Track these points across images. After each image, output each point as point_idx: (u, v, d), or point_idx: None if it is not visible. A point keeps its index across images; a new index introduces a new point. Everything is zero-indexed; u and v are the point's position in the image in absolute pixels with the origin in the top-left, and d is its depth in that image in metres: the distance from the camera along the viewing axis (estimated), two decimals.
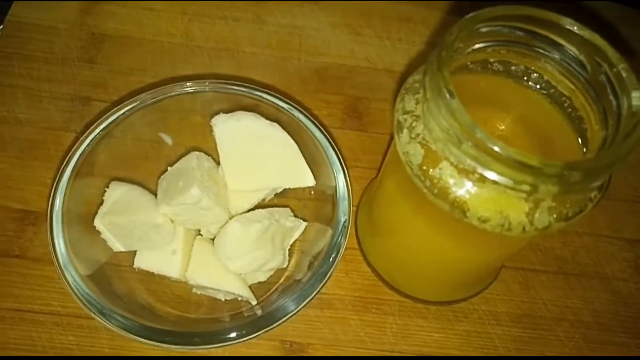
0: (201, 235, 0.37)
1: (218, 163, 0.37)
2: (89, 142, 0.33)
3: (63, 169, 0.32)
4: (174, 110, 0.36)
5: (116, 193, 0.34)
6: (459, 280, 0.36)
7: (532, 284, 0.41)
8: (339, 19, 0.53)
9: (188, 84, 0.36)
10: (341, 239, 0.32)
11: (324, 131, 0.35)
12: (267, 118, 0.36)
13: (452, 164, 0.25)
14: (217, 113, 0.36)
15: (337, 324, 0.38)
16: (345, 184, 0.34)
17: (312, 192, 0.37)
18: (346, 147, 0.45)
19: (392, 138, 0.33)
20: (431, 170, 0.26)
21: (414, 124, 0.27)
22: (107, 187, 0.34)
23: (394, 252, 0.37)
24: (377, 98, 0.48)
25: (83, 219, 0.33)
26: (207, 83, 0.36)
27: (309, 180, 0.36)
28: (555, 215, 0.26)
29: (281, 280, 0.36)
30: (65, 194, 0.32)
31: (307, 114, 0.35)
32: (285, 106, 0.36)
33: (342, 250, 0.32)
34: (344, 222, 0.33)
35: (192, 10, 0.51)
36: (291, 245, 0.37)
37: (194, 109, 0.36)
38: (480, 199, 0.25)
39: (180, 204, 0.33)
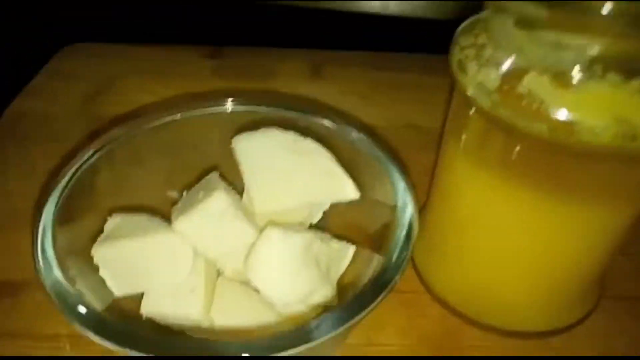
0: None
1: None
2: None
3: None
4: (188, 136, 0.32)
5: (118, 219, 0.28)
6: (559, 288, 0.28)
7: None
8: (346, 88, 0.52)
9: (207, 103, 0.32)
10: (403, 258, 0.24)
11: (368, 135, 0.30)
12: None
13: (542, 71, 0.21)
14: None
15: None
16: (406, 189, 0.27)
17: (355, 214, 0.31)
18: None
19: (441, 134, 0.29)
20: (515, 87, 0.21)
21: (480, 53, 0.23)
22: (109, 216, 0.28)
23: (470, 266, 0.29)
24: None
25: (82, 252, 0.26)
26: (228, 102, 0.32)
27: (351, 192, 0.30)
28: None
29: None
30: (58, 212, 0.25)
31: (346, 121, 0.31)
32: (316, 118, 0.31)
33: (402, 269, 0.25)
34: (406, 235, 0.25)
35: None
36: (340, 278, 0.29)
37: (212, 133, 0.32)
38: (589, 105, 0.20)
39: (202, 215, 0.26)
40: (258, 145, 0.31)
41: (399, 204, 0.27)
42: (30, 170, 0.40)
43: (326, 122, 0.31)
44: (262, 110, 0.32)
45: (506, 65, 0.22)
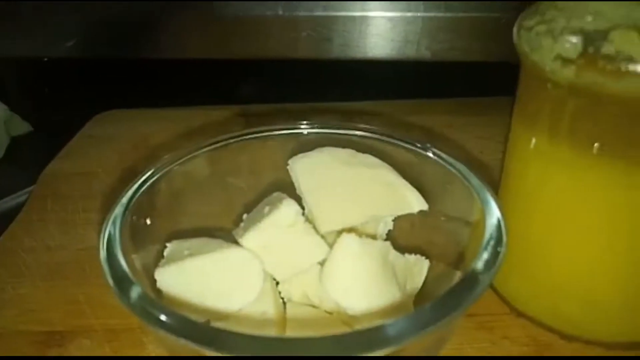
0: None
1: None
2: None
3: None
4: (242, 161, 0.31)
5: (178, 244, 0.26)
6: None
7: None
8: None
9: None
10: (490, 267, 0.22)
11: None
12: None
13: (628, 28, 0.20)
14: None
15: None
16: (488, 199, 0.24)
17: (422, 229, 0.29)
18: None
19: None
20: (601, 48, 0.20)
21: (552, 27, 0.22)
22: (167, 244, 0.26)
23: (557, 270, 0.27)
24: None
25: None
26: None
27: (418, 204, 0.28)
28: None
29: None
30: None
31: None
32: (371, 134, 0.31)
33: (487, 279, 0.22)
34: (494, 244, 0.22)
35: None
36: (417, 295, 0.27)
37: (267, 157, 0.31)
38: None
39: (271, 228, 0.25)
40: (315, 164, 0.30)
41: (479, 215, 0.25)
42: (70, 225, 0.39)
43: (385, 138, 0.30)
44: (315, 131, 0.31)
45: (587, 31, 0.21)
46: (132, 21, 0.59)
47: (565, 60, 0.21)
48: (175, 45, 0.57)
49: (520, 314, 0.29)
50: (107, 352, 0.28)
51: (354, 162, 0.29)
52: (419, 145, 0.29)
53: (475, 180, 0.26)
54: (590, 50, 0.21)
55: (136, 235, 0.25)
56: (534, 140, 0.26)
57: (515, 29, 0.25)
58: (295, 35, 0.53)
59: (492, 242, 0.22)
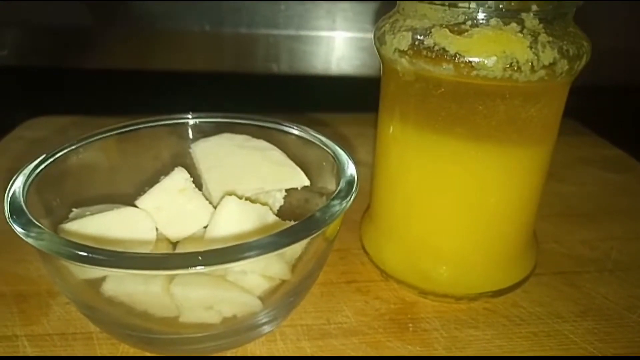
0: None
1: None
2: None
3: None
4: (151, 145, 0.35)
5: (83, 209, 0.29)
6: (496, 243, 0.31)
7: (580, 284, 0.35)
8: None
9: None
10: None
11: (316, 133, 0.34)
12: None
13: (441, 26, 0.26)
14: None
15: (370, 348, 0.29)
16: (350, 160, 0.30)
17: (303, 202, 0.34)
18: None
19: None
20: (424, 41, 0.26)
21: (393, 26, 0.28)
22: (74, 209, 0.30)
23: (415, 235, 0.31)
24: None
25: None
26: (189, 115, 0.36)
27: (301, 180, 0.33)
28: (557, 50, 0.25)
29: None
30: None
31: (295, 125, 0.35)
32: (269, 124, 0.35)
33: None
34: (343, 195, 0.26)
35: None
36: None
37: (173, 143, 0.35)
38: (480, 45, 0.25)
39: (162, 192, 0.28)
40: (213, 146, 0.34)
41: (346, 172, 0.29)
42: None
43: (274, 126, 0.35)
44: (217, 120, 0.36)
45: (415, 28, 0.27)
46: (65, 33, 0.62)
47: (401, 52, 0.27)
48: (107, 56, 0.61)
49: (388, 276, 0.33)
50: (15, 312, 0.31)
51: (247, 145, 0.34)
52: (299, 129, 0.34)
53: (343, 157, 0.30)
54: (417, 43, 0.26)
55: (45, 200, 0.28)
56: (392, 124, 0.31)
57: (373, 31, 0.30)
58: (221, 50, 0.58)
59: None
